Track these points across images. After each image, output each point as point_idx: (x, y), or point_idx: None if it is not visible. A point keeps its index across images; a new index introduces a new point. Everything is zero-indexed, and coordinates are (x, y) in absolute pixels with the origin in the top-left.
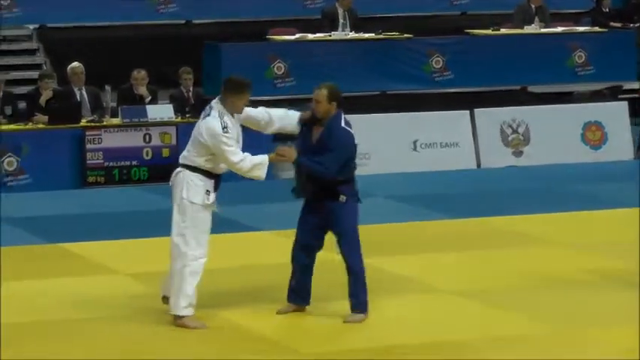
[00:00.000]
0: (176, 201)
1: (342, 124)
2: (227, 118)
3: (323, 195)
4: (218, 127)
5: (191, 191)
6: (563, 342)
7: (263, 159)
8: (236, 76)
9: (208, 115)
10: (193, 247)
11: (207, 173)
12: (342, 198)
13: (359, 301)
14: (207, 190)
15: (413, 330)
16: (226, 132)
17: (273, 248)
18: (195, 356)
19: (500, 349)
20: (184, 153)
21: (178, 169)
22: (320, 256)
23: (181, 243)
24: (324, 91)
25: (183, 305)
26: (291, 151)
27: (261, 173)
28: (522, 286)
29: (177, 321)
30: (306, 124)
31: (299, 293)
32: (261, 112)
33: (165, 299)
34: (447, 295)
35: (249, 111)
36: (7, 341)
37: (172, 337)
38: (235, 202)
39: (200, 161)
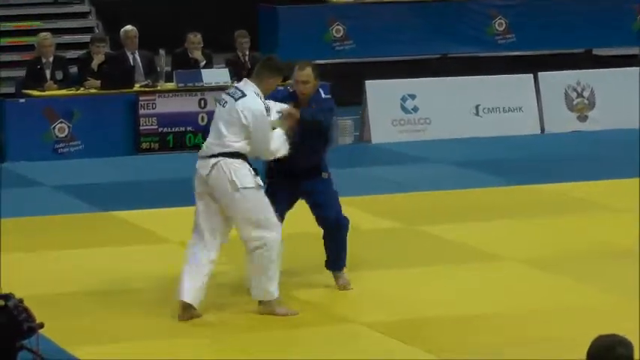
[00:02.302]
0: (226, 194)
1: (323, 95)
2: (263, 100)
3: (306, 171)
4: (262, 108)
5: (242, 177)
6: (634, 314)
7: (282, 134)
8: (277, 57)
9: (243, 96)
10: (267, 227)
11: (244, 157)
12: (325, 174)
13: (344, 262)
14: (254, 170)
15: (477, 299)
16: (268, 114)
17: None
18: (252, 327)
19: (570, 320)
20: (214, 141)
21: (212, 160)
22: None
23: (252, 229)
24: (309, 70)
25: (271, 289)
26: (292, 109)
27: (285, 150)
28: (590, 255)
29: (265, 307)
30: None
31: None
32: None
33: (188, 309)
34: (512, 263)
35: None
36: (61, 310)
37: (228, 303)
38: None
39: (239, 145)
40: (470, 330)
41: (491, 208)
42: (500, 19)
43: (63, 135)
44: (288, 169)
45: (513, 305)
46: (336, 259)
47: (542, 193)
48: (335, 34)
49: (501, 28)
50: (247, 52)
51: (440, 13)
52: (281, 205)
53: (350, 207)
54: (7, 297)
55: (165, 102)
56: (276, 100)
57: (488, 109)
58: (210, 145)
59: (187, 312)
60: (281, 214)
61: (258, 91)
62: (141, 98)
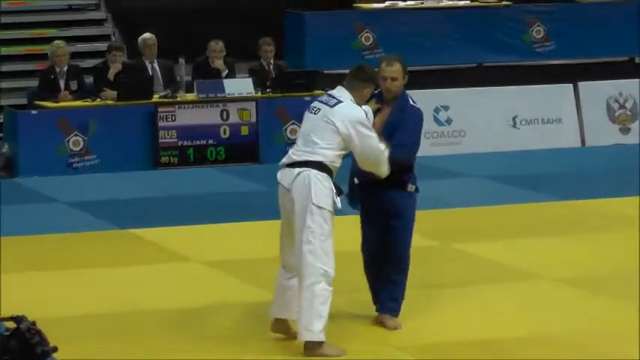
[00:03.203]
0: (302, 205)
1: (411, 102)
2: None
3: (386, 181)
4: (361, 112)
5: (319, 194)
6: None
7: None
8: (368, 66)
9: (339, 102)
10: (323, 259)
11: (331, 172)
12: (411, 187)
13: (398, 306)
14: (335, 192)
15: (513, 321)
16: (367, 119)
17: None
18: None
19: (611, 342)
20: (302, 148)
21: (297, 169)
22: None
23: (310, 255)
24: (398, 65)
25: (318, 329)
26: (378, 116)
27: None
28: (632, 274)
29: (313, 350)
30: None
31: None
32: None
33: (280, 323)
34: (549, 283)
35: None
36: (76, 333)
37: (251, 329)
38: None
39: (331, 155)
40: (506, 354)
41: (529, 224)
42: (538, 25)
43: (78, 148)
44: (371, 179)
45: (552, 326)
46: (388, 299)
47: (583, 209)
48: (364, 42)
49: (539, 36)
50: (272, 61)
51: (475, 20)
52: (371, 227)
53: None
54: (19, 319)
55: (186, 114)
56: None
57: (526, 120)
58: (296, 152)
59: (277, 326)
60: (368, 241)
61: (353, 100)
62: (160, 110)
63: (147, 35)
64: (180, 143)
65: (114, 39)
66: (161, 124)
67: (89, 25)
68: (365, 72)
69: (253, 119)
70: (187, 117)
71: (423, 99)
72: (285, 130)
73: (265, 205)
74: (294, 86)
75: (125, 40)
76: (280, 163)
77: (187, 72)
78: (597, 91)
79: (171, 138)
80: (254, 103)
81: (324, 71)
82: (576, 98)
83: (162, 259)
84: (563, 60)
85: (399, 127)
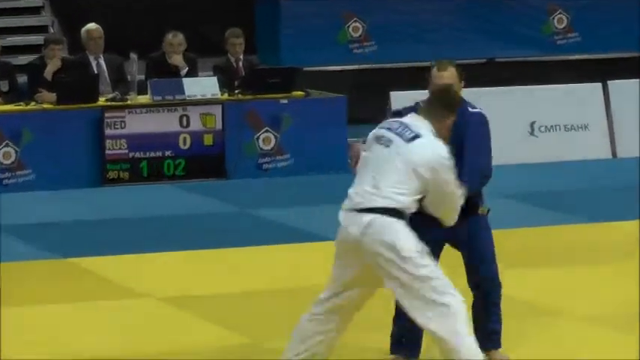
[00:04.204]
0: (384, 263)
1: (470, 108)
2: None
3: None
4: (445, 152)
5: (405, 243)
6: None
7: None
8: (452, 88)
9: (417, 136)
10: (447, 295)
11: (404, 216)
12: (484, 209)
13: (499, 335)
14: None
15: None
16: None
17: None
18: None
19: None
20: (370, 190)
21: (366, 216)
22: None
23: (426, 309)
24: (453, 70)
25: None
26: None
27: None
28: None
29: None
30: None
31: (409, 341)
32: None
33: None
34: (575, 322)
35: None
36: None
37: None
38: (296, 203)
39: (408, 202)
40: None
41: (548, 251)
42: (560, 14)
43: (9, 162)
44: None
45: None
46: (490, 332)
47: (615, 232)
48: (352, 34)
49: (562, 26)
50: (241, 57)
51: (484, 8)
52: None
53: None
54: None
55: (138, 120)
56: (401, 115)
57: (546, 127)
58: (364, 195)
59: None
60: None
61: (432, 130)
62: (107, 115)
63: (92, 26)
64: (131, 155)
65: (52, 30)
66: (108, 132)
67: (23, 14)
68: (453, 97)
69: (219, 126)
70: (140, 124)
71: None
72: (258, 139)
73: (234, 229)
74: (268, 86)
75: (65, 32)
76: (344, 205)
77: (140, 70)
78: (630, 92)
79: (120, 149)
80: (220, 107)
81: (304, 68)
82: (605, 100)
83: (111, 295)
84: (590, 54)
85: (464, 141)
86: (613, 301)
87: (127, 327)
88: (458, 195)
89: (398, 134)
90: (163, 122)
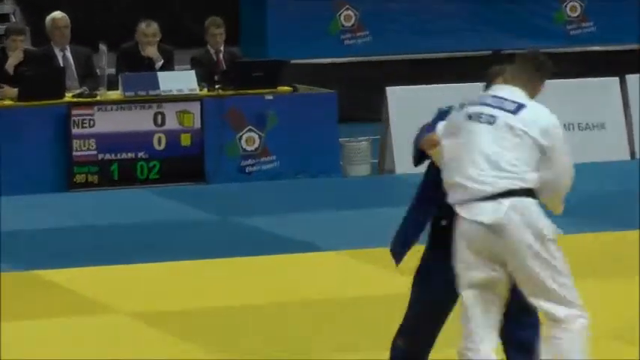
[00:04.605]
0: (526, 251)
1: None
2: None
3: None
4: (555, 117)
5: (546, 224)
6: None
7: None
8: (537, 49)
9: (522, 106)
10: (575, 295)
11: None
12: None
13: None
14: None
15: None
16: None
17: (348, 276)
18: None
19: None
20: (493, 172)
21: (504, 201)
22: None
23: (565, 295)
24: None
25: None
26: None
27: None
28: None
29: None
30: None
31: None
32: None
33: None
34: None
35: None
36: None
37: None
38: (284, 209)
39: (534, 177)
40: None
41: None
42: (573, 1)
43: None
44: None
45: None
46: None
47: (635, 241)
48: (344, 23)
49: (575, 14)
50: (222, 48)
51: None
52: (438, 294)
53: (368, 264)
54: None
55: (108, 117)
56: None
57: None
58: (484, 180)
59: None
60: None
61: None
62: (74, 112)
63: (57, 14)
64: (100, 157)
65: (14, 19)
66: (75, 131)
67: None
68: (542, 61)
69: (197, 125)
70: (110, 122)
71: (422, 98)
72: (240, 139)
73: (214, 239)
74: (252, 81)
75: (28, 22)
76: (458, 199)
77: (110, 63)
78: None
79: (88, 150)
80: (198, 104)
81: (292, 61)
82: (623, 96)
83: (77, 310)
84: (606, 46)
85: None
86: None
87: (92, 345)
88: (571, 168)
89: (499, 107)
90: (136, 120)
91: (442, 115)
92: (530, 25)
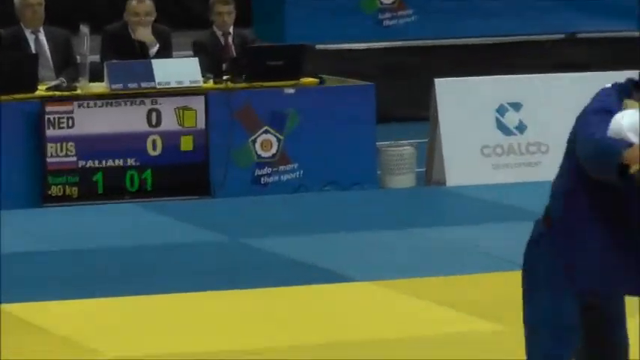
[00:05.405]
0: None
1: None
2: None
3: None
4: None
5: None
6: None
7: None
8: None
9: None
10: None
11: None
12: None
13: None
14: None
15: None
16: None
17: (387, 313)
18: None
19: None
20: None
21: None
22: None
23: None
24: None
25: None
26: None
27: None
28: None
29: None
30: None
31: None
32: None
33: None
34: None
35: None
36: None
37: None
38: (307, 229)
39: None
40: None
41: None
42: None
43: None
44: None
45: None
46: None
47: None
48: (382, 0)
49: None
50: (231, 30)
51: None
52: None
53: (413, 297)
54: None
55: (91, 116)
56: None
57: None
58: None
59: None
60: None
61: None
62: (48, 109)
63: None
64: (81, 164)
65: None
66: (50, 132)
67: None
68: None
69: (201, 125)
70: (93, 122)
71: (477, 92)
72: (254, 142)
73: (220, 265)
74: (268, 71)
75: None
76: None
77: (93, 48)
78: None
79: (66, 155)
80: (202, 99)
81: (317, 46)
82: None
83: (52, 354)
84: None
85: None
86: None
87: None
88: None
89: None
90: (125, 120)
91: (620, 92)
92: (609, 6)
